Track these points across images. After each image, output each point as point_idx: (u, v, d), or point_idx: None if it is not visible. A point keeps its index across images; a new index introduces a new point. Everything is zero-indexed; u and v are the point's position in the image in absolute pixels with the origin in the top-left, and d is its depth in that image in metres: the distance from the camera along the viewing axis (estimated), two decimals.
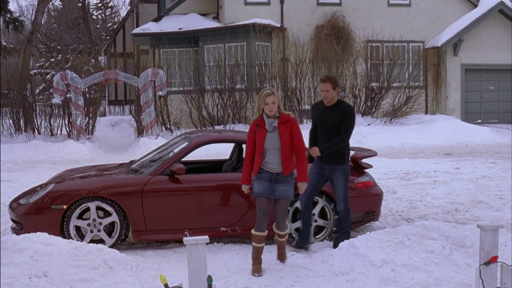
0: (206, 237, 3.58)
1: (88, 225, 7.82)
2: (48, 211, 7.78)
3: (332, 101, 7.73)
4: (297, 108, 24.14)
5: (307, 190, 7.28)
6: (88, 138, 21.95)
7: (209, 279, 3.45)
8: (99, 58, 40.13)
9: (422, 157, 17.69)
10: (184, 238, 3.52)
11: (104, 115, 34.14)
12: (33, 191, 8.28)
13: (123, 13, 60.25)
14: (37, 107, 23.50)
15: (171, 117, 23.94)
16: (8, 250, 6.02)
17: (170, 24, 26.32)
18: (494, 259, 3.85)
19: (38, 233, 6.64)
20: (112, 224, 7.92)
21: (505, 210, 10.15)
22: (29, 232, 6.88)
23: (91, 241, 7.52)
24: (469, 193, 11.58)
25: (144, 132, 21.52)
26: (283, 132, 6.69)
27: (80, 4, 45.90)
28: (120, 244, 7.93)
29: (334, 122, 7.64)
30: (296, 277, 6.68)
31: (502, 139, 22.70)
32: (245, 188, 6.88)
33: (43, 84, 28.70)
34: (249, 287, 6.39)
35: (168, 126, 23.67)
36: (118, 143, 22.99)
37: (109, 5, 66.00)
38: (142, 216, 7.88)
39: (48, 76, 30.15)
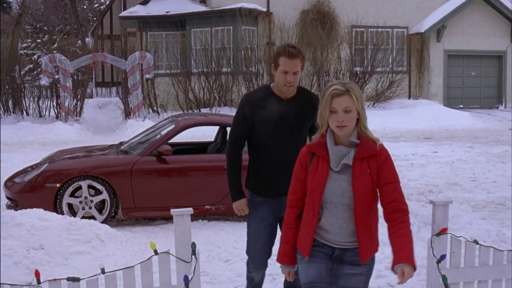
0: (191, 209, 4.05)
1: (80, 202, 8.29)
2: (42, 189, 8.23)
3: (294, 89, 4.71)
4: None
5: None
6: (76, 119, 22.29)
7: (193, 245, 3.92)
8: (86, 40, 40.31)
9: (402, 140, 18.21)
10: (172, 210, 3.97)
11: (91, 97, 34.35)
12: (25, 171, 8.72)
13: None
14: (25, 88, 23.79)
15: (158, 100, 24.27)
16: (7, 224, 6.46)
17: (158, 7, 26.57)
18: (444, 231, 4.32)
19: (34, 209, 7.09)
20: (103, 201, 8.39)
21: (476, 191, 10.67)
22: (24, 209, 7.33)
23: (83, 217, 7.97)
24: (444, 175, 12.09)
25: (132, 114, 21.90)
26: (361, 174, 3.55)
27: None
28: (110, 221, 8.39)
29: (301, 125, 4.76)
30: None
31: (482, 124, 23.27)
32: (286, 270, 3.86)
33: (30, 65, 28.95)
34: (230, 260, 6.88)
35: (155, 108, 24.03)
36: (105, 125, 23.33)
37: None
38: (131, 195, 8.35)
39: (35, 57, 30.39)
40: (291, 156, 4.52)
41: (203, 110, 23.46)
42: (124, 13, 27.14)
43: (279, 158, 4.68)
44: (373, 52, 26.22)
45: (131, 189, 8.34)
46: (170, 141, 8.75)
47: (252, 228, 4.82)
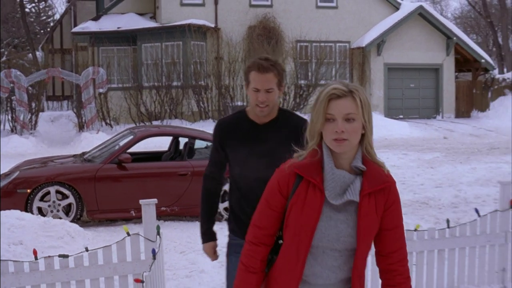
0: (155, 199, 5.10)
1: (49, 206, 9.28)
2: (14, 194, 9.20)
3: (273, 111, 3.94)
4: (231, 105, 25.65)
5: None
6: (31, 133, 22.96)
7: (158, 227, 4.97)
8: (36, 53, 40.77)
9: None
10: (140, 200, 5.03)
11: (42, 110, 34.91)
12: None
13: (59, 6, 60.45)
14: None
15: (111, 113, 25.11)
16: None
17: (109, 23, 27.47)
18: None
19: (12, 210, 8.04)
20: (69, 205, 9.39)
21: (404, 193, 11.91)
22: None
23: None
24: None
25: (85, 127, 22.70)
26: (368, 214, 2.73)
27: None
28: (76, 222, 9.34)
29: (281, 156, 3.42)
30: None
31: (419, 133, 24.75)
32: None
33: None
34: (184, 251, 7.96)
35: (108, 121, 24.86)
36: (59, 138, 24.02)
37: None
38: (95, 198, 9.36)
39: None
40: None
41: (155, 123, 24.37)
42: (76, 29, 27.96)
43: (256, 198, 3.40)
44: (317, 66, 27.58)
45: (94, 193, 9.35)
46: (129, 150, 9.77)
47: (231, 275, 3.97)
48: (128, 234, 4.91)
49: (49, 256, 4.82)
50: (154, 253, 4.72)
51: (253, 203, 3.55)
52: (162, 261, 5.24)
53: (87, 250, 4.85)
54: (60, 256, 4.80)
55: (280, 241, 2.86)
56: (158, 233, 4.97)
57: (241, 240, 3.69)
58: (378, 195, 2.74)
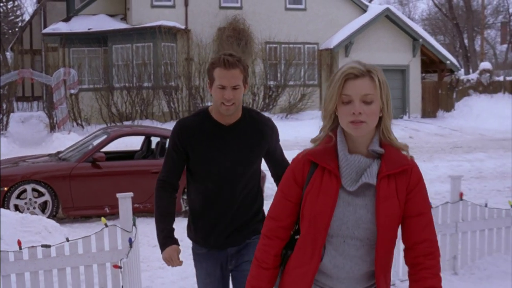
0: (131, 193, 5.48)
1: (25, 203, 9.61)
2: None
3: (238, 111, 3.74)
4: (201, 106, 25.96)
5: None
6: (3, 133, 23.10)
7: (134, 219, 5.37)
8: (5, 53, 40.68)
9: None
10: (117, 194, 5.41)
11: (12, 111, 34.88)
12: None
13: (28, 6, 60.08)
14: None
15: (82, 114, 25.29)
16: None
17: (80, 24, 27.61)
18: None
19: None
20: (45, 202, 9.73)
21: None
22: None
23: None
24: None
25: (57, 128, 22.90)
26: (387, 198, 2.56)
27: None
28: (51, 219, 9.67)
29: (247, 160, 3.75)
30: None
31: None
32: None
33: None
34: (157, 245, 8.31)
35: (79, 122, 25.06)
36: (31, 138, 24.15)
37: None
38: (70, 196, 9.70)
39: None
40: (240, 200, 3.72)
41: (126, 123, 24.59)
42: (47, 30, 28.07)
43: (222, 203, 3.71)
44: (286, 67, 28.06)
45: (70, 191, 9.69)
46: (103, 149, 10.12)
47: (200, 284, 3.91)
48: (106, 226, 5.29)
49: (32, 246, 5.18)
50: (130, 242, 5.11)
51: (218, 207, 3.68)
52: (138, 249, 5.63)
53: (67, 240, 5.22)
54: (42, 246, 5.17)
55: (297, 237, 2.71)
56: (134, 224, 5.36)
57: (202, 249, 3.78)
58: (399, 178, 2.56)
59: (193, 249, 3.88)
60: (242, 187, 3.70)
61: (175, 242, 3.70)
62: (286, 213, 2.69)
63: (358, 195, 2.55)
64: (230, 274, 3.87)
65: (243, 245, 3.78)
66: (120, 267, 4.71)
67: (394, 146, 2.60)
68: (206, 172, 3.68)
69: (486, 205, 7.06)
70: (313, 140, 2.67)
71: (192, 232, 3.84)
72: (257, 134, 3.71)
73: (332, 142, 2.59)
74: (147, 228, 9.29)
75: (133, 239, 5.16)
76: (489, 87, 31.07)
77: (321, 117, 2.65)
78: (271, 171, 3.98)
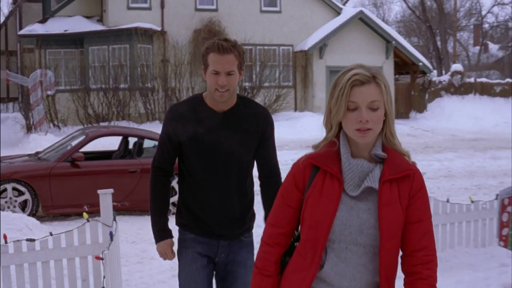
0: (112, 189, 5.78)
1: (6, 202, 9.87)
2: None
3: (232, 98, 3.67)
4: None
5: None
6: None
7: (114, 214, 5.68)
8: None
9: (286, 149, 20.33)
10: (98, 190, 5.71)
11: None
12: None
13: (3, 8, 59.79)
14: None
15: (59, 115, 25.41)
16: None
17: (56, 25, 27.68)
18: None
19: None
20: (25, 201, 9.99)
21: None
22: None
23: None
24: None
25: (33, 129, 23.04)
26: (390, 203, 2.53)
27: None
28: (32, 217, 9.93)
29: (241, 149, 3.70)
30: None
31: None
32: None
33: None
34: (135, 241, 8.64)
35: (56, 123, 25.17)
36: (7, 139, 24.17)
37: None
38: (50, 195, 9.97)
39: None
40: (234, 190, 3.68)
41: (102, 124, 24.74)
42: (23, 31, 28.13)
43: (215, 192, 3.65)
44: (261, 68, 28.39)
45: (49, 190, 9.96)
46: (82, 149, 10.39)
47: (184, 271, 3.72)
48: (88, 220, 5.59)
49: (17, 240, 5.46)
50: (111, 235, 5.42)
51: (210, 195, 3.62)
52: (118, 242, 5.93)
53: (51, 234, 5.51)
54: (27, 240, 5.45)
55: (296, 243, 2.70)
56: (114, 219, 5.66)
57: (192, 234, 3.69)
58: (402, 183, 2.52)
59: (180, 236, 3.79)
60: (234, 176, 3.65)
61: (169, 235, 3.75)
62: (287, 219, 2.66)
63: (361, 200, 2.51)
64: (215, 271, 3.79)
65: (236, 241, 3.73)
66: (102, 258, 5.01)
67: (399, 151, 2.57)
68: (197, 159, 3.61)
69: (448, 201, 7.47)
70: (315, 146, 2.64)
71: (180, 217, 3.77)
72: (250, 122, 3.64)
73: (336, 146, 2.56)
74: (125, 225, 9.59)
75: (113, 233, 5.46)
76: (460, 89, 31.72)
77: (323, 124, 2.61)
78: (259, 173, 3.85)
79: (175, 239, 3.80)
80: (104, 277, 4.99)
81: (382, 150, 2.54)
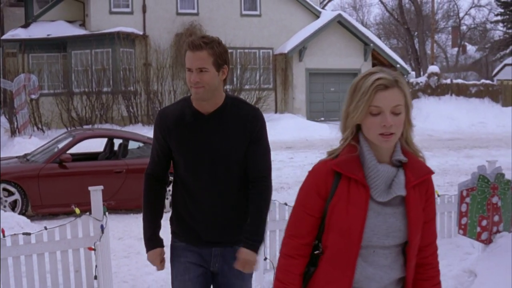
0: (102, 186, 6.23)
1: None
2: None
3: (216, 97, 3.54)
4: (159, 110, 26.55)
5: None
6: None
7: (104, 208, 6.13)
8: None
9: None
10: (89, 187, 6.16)
11: None
12: None
13: None
14: None
15: (43, 118, 25.73)
16: None
17: (39, 30, 28.00)
18: None
19: None
20: (15, 201, 10.41)
21: None
22: None
23: None
24: (295, 176, 14.74)
25: (18, 133, 23.35)
26: (416, 206, 2.63)
27: None
28: (22, 216, 10.35)
29: (228, 153, 3.53)
30: None
31: (338, 134, 26.06)
32: None
33: None
34: (122, 238, 9.09)
35: (40, 126, 25.49)
36: None
37: None
38: (39, 195, 10.39)
39: None
40: (224, 194, 3.52)
41: (86, 127, 25.09)
42: (6, 36, 28.38)
43: (204, 197, 3.52)
44: (242, 71, 28.85)
45: (38, 190, 10.39)
46: (69, 151, 10.82)
47: (176, 281, 3.64)
48: (80, 215, 6.04)
49: (14, 234, 5.91)
50: (102, 228, 5.87)
51: (199, 200, 3.50)
52: (108, 235, 6.39)
53: (46, 228, 5.96)
54: (24, 233, 5.89)
55: (316, 252, 2.65)
56: (105, 213, 6.11)
57: (182, 243, 3.59)
58: (421, 186, 2.61)
59: (172, 244, 3.70)
60: (223, 180, 3.49)
61: (158, 244, 3.63)
62: (308, 229, 2.62)
63: (387, 204, 2.54)
64: (213, 282, 3.66)
65: (230, 250, 3.55)
66: (94, 249, 5.46)
67: (415, 154, 2.64)
68: (185, 163, 3.51)
69: None
70: (330, 152, 2.64)
71: (173, 225, 3.69)
72: (238, 124, 3.48)
73: (356, 152, 2.55)
74: (112, 223, 9.96)
75: (104, 226, 5.92)
76: (437, 90, 32.39)
77: (340, 128, 2.66)
78: (248, 176, 3.58)
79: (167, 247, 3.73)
80: (96, 266, 5.44)
81: (401, 152, 2.59)
